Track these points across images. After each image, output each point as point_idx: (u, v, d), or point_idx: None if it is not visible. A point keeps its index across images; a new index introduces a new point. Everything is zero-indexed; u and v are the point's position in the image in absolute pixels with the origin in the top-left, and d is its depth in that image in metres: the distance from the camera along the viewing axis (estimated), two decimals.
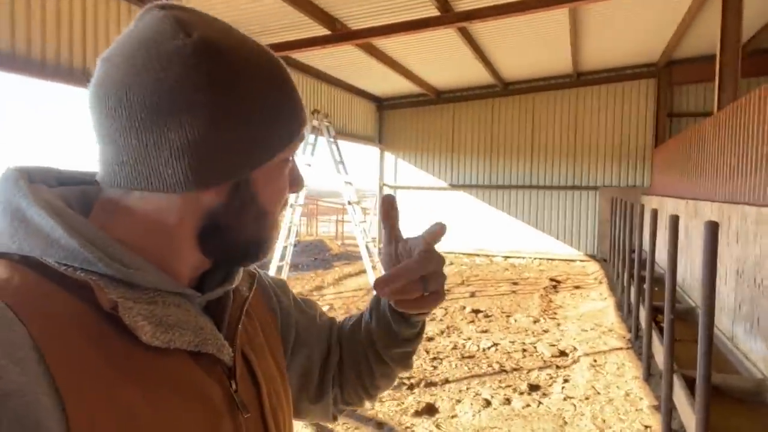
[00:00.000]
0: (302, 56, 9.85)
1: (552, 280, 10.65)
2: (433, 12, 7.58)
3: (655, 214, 5.94)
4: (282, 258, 9.03)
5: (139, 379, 0.52)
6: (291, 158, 0.66)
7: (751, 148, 4.67)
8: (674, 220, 3.81)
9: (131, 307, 0.53)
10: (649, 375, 4.89)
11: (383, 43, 9.42)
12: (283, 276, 9.22)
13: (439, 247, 0.72)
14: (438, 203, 14.31)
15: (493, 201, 13.89)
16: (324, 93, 11.63)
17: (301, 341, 0.85)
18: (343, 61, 10.39)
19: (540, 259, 13.31)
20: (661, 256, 7.90)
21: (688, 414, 3.21)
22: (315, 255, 14.18)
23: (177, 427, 0.53)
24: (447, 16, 7.45)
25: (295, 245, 10.62)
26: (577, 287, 10.00)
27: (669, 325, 3.70)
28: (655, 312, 5.05)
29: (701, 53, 11.38)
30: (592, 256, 12.92)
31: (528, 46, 10.20)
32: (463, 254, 13.85)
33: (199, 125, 0.55)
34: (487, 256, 13.74)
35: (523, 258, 13.45)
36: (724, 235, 4.95)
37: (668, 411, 3.70)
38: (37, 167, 0.61)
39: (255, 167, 0.60)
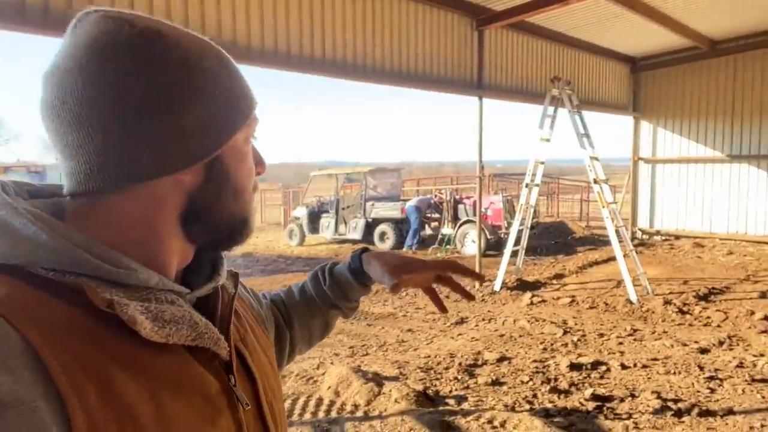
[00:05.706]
0: (539, 19, 8.89)
1: None
2: None
3: None
4: (517, 242, 8.34)
5: (140, 376, 0.52)
6: (251, 139, 0.67)
7: None
8: None
9: (127, 303, 0.53)
10: None
11: None
12: (519, 261, 8.56)
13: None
14: (712, 178, 11.76)
15: None
16: (566, 58, 10.36)
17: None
18: (587, 18, 9.08)
19: None
20: None
21: None
22: (555, 238, 13.08)
23: (178, 423, 0.54)
24: None
25: (533, 227, 9.81)
26: None
27: None
28: None
29: None
30: None
31: None
32: (747, 241, 11.12)
33: (166, 109, 0.56)
34: None
35: None
36: None
37: None
38: (10, 181, 0.62)
39: (222, 144, 0.61)
